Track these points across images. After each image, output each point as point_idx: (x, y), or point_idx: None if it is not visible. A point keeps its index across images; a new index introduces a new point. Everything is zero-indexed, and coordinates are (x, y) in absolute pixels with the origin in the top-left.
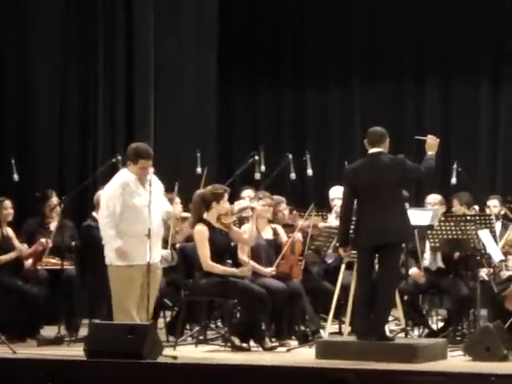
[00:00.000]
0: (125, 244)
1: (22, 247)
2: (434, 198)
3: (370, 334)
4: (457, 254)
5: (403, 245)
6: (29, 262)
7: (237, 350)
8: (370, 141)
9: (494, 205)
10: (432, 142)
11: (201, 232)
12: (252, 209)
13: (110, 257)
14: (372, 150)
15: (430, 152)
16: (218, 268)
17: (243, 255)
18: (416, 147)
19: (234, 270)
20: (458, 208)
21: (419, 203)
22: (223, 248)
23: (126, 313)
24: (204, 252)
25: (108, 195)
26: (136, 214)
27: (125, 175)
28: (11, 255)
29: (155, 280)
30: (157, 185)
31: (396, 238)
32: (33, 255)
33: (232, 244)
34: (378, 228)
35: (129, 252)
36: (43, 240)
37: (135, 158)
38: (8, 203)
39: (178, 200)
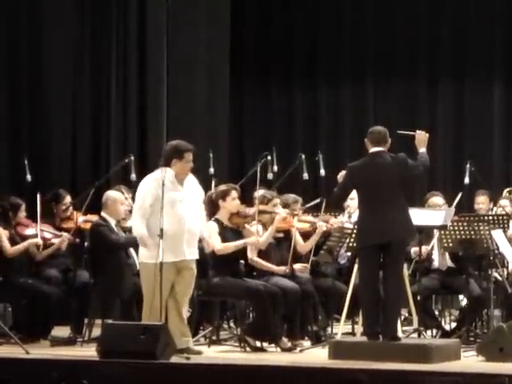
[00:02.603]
0: (155, 241)
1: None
2: (439, 201)
3: (379, 335)
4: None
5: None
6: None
7: (253, 350)
8: (374, 140)
9: (504, 204)
10: (422, 138)
11: (209, 227)
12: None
13: (141, 253)
14: (374, 149)
15: (422, 149)
16: (230, 246)
17: (253, 255)
18: (402, 143)
19: (243, 241)
20: (487, 205)
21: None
22: None
23: (153, 312)
24: (213, 239)
25: (140, 190)
26: (170, 211)
27: (162, 172)
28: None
29: (186, 278)
30: (194, 184)
31: (399, 236)
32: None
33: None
34: (382, 226)
35: (152, 245)
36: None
37: (180, 152)
38: (23, 207)
39: None
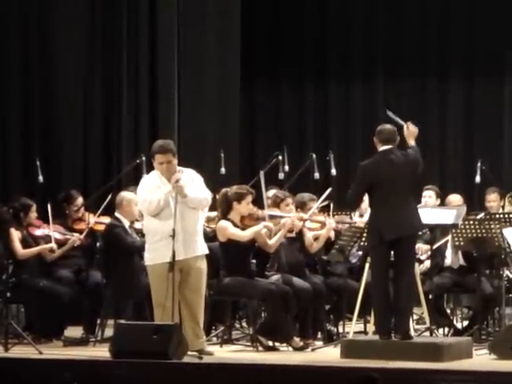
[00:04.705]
0: (152, 242)
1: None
2: (457, 199)
3: (391, 333)
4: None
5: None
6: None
7: (265, 349)
8: (383, 139)
9: None
10: (413, 130)
11: (223, 227)
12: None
13: (145, 257)
14: (384, 147)
15: (413, 142)
16: (249, 231)
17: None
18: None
19: (258, 226)
20: (498, 203)
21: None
22: (246, 247)
23: (159, 310)
24: (236, 232)
25: (140, 197)
26: (161, 211)
27: (152, 173)
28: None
29: (193, 278)
30: (189, 179)
31: (411, 232)
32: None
33: (256, 244)
34: (395, 222)
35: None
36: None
37: (152, 154)
38: (34, 207)
39: None
